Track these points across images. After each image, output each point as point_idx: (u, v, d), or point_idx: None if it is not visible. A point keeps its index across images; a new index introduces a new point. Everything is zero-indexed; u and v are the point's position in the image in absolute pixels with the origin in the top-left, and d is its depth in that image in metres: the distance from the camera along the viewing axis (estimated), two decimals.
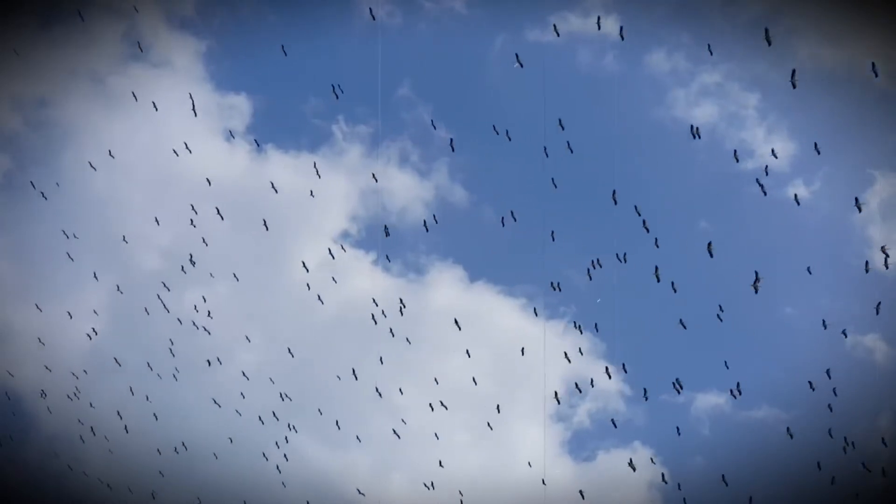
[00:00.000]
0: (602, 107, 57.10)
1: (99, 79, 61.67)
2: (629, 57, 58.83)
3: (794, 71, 41.97)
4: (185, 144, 52.63)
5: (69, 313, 57.42)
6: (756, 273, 44.65)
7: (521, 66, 46.74)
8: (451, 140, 50.36)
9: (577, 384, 51.03)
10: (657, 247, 47.08)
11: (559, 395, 57.66)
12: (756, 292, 44.76)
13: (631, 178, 54.98)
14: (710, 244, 45.25)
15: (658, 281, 46.12)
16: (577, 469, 56.99)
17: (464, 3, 59.23)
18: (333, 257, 53.38)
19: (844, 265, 51.67)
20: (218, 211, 52.83)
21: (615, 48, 59.39)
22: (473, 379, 51.80)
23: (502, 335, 56.06)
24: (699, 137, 47.20)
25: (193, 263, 54.12)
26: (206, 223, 53.77)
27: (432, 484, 51.60)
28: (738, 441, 52.09)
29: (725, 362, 47.93)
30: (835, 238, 54.81)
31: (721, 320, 47.18)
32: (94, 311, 57.45)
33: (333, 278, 53.63)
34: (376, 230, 61.74)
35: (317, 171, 52.97)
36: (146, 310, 56.22)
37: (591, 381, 51.19)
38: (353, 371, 52.25)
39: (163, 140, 57.06)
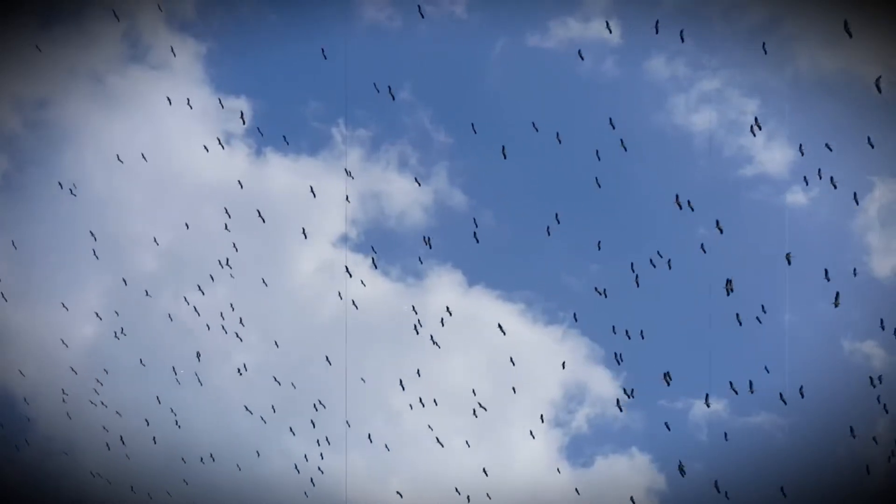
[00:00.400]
0: (601, 112, 57.11)
1: (98, 79, 61.85)
2: (628, 63, 59.03)
3: (879, 77, 42.28)
4: (219, 139, 52.99)
5: (97, 314, 57.58)
6: (837, 295, 45.29)
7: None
8: (503, 147, 49.87)
9: (624, 389, 50.88)
10: (704, 251, 47.35)
11: (557, 401, 57.70)
12: (836, 306, 45.27)
13: (630, 181, 55.13)
14: (788, 255, 45.59)
15: (727, 294, 46.20)
16: (574, 474, 56.90)
17: (464, 7, 59.37)
18: (375, 266, 54.16)
19: (843, 271, 51.58)
20: (259, 213, 53.20)
21: (615, 54, 59.57)
22: (513, 388, 52.01)
23: (502, 340, 55.86)
24: (760, 128, 47.39)
25: (230, 267, 54.34)
26: (235, 227, 54.21)
27: (464, 493, 51.68)
28: (737, 446, 51.91)
29: (766, 367, 48.02)
30: (833, 244, 54.91)
31: (753, 321, 47.32)
32: (116, 312, 57.46)
33: (362, 281, 54.07)
34: (375, 234, 61.82)
35: (349, 174, 53.62)
36: (170, 316, 56.47)
37: (633, 391, 50.92)
38: (401, 382, 52.33)
39: (163, 141, 57.37)
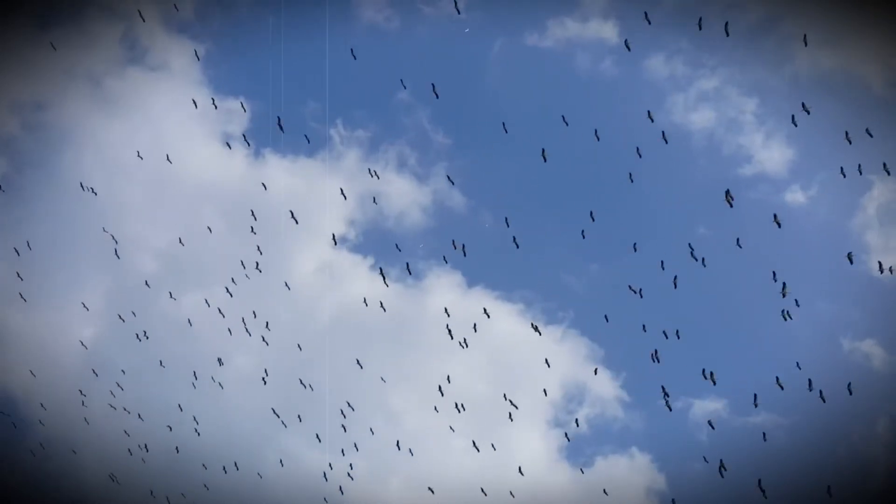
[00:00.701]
0: (600, 112, 57.22)
1: (96, 81, 61.86)
2: (627, 62, 59.02)
3: None
4: (245, 136, 53.48)
5: (120, 316, 57.52)
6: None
7: None
8: (543, 150, 49.86)
9: (663, 388, 50.66)
10: (740, 246, 47.35)
11: (557, 401, 57.65)
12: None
13: (628, 183, 55.05)
14: (850, 254, 45.77)
15: (783, 297, 46.29)
16: (574, 475, 56.92)
17: (462, 7, 59.29)
18: (410, 272, 54.71)
19: (842, 270, 51.65)
20: (294, 215, 53.31)
21: (613, 53, 59.57)
22: (544, 391, 52.21)
23: (500, 340, 55.95)
24: (809, 112, 47.27)
25: (260, 270, 54.61)
26: (240, 229, 54.48)
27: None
28: (737, 447, 51.96)
29: (798, 363, 48.11)
30: (832, 243, 54.92)
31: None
32: (133, 313, 57.49)
33: (385, 282, 54.50)
34: (374, 235, 61.86)
35: (376, 175, 54.08)
36: (189, 321, 56.54)
37: (667, 395, 50.75)
38: (440, 388, 52.38)
39: (161, 144, 57.33)
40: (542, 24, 59.26)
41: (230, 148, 55.25)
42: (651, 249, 51.05)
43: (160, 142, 58.23)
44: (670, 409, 50.97)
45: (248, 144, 55.06)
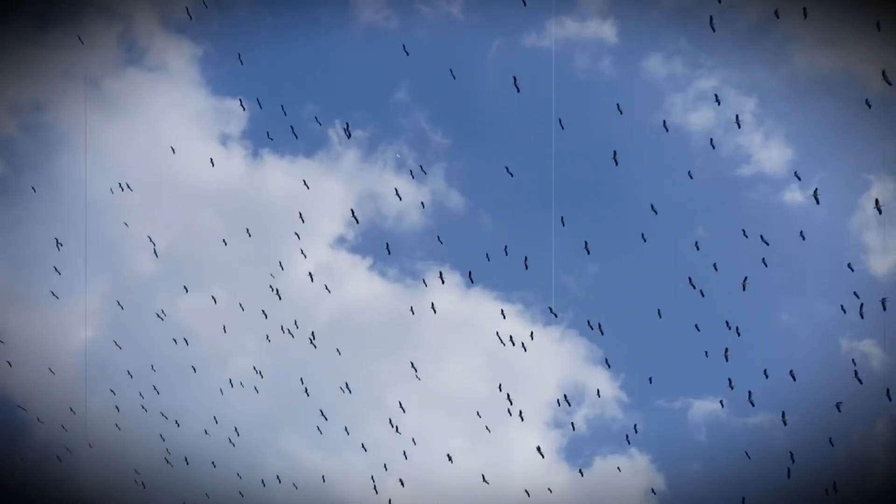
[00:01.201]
0: (599, 112, 57.23)
1: (94, 82, 61.80)
2: (626, 62, 59.09)
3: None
4: (267, 136, 53.53)
5: (159, 314, 57.35)
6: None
7: None
8: (615, 153, 49.78)
9: (730, 380, 50.45)
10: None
11: (556, 402, 57.55)
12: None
13: (628, 183, 55.17)
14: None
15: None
16: (573, 475, 56.91)
17: (460, 8, 59.39)
18: (473, 280, 54.92)
19: (841, 270, 51.66)
20: (353, 212, 53.16)
21: (612, 53, 59.63)
22: (602, 393, 51.93)
23: (498, 340, 55.84)
24: (890, 83, 46.89)
25: (313, 279, 54.59)
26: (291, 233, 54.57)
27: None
28: (735, 447, 52.06)
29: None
30: (831, 243, 54.99)
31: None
32: (160, 314, 57.39)
33: (430, 277, 54.83)
34: (373, 235, 61.84)
35: (411, 173, 54.07)
36: (224, 328, 56.45)
37: (732, 387, 50.55)
38: (509, 397, 52.38)
39: (159, 144, 57.36)
40: (541, 24, 59.35)
41: (264, 153, 55.44)
42: (651, 249, 51.16)
43: (160, 142, 58.35)
44: (753, 405, 50.82)
45: (276, 142, 55.18)
